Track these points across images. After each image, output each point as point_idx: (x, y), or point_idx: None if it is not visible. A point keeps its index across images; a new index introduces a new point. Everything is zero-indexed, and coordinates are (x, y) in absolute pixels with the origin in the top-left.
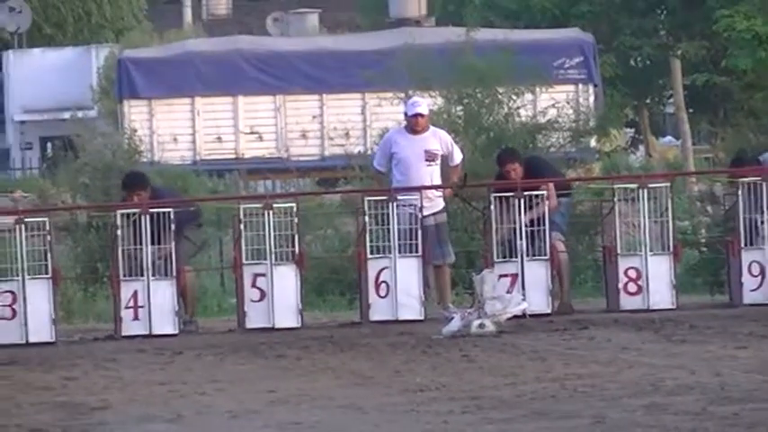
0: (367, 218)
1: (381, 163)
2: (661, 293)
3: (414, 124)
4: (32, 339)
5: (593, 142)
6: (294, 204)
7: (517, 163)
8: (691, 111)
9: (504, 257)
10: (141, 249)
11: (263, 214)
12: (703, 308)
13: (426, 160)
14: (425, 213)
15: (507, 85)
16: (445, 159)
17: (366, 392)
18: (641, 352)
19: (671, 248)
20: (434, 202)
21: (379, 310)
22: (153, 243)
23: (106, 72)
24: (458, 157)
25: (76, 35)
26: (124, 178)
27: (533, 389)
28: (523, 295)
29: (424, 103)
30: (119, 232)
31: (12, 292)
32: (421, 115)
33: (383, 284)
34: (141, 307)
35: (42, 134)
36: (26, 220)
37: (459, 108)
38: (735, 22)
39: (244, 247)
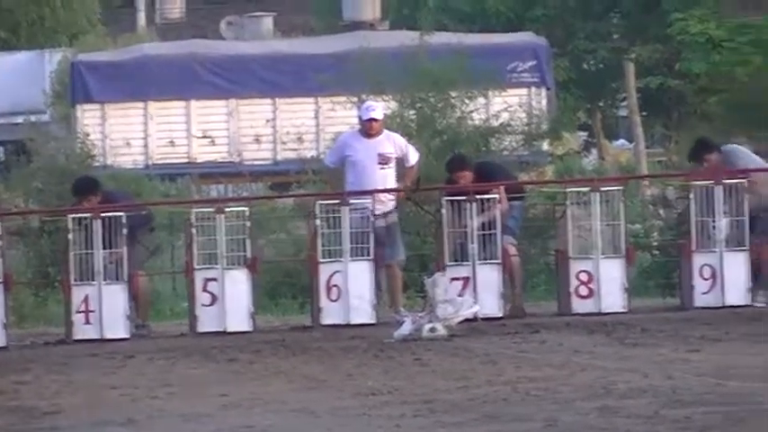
0: (319, 222)
1: (334, 161)
2: (613, 297)
3: (368, 128)
4: None
5: (545, 145)
6: (247, 208)
7: (467, 170)
8: (644, 114)
9: (456, 261)
10: (93, 254)
11: (216, 218)
12: (655, 311)
13: (380, 163)
14: (377, 214)
15: (461, 88)
16: (401, 161)
17: (318, 396)
18: (593, 355)
19: (623, 252)
20: (386, 204)
21: (331, 314)
22: (105, 247)
23: (60, 76)
24: (413, 157)
25: (30, 39)
26: (74, 184)
27: (485, 392)
28: (475, 299)
29: (379, 108)
30: (70, 236)
31: None
32: (375, 119)
33: (335, 288)
34: (93, 311)
35: None
36: None
37: (412, 112)
38: (689, 25)
39: (196, 252)
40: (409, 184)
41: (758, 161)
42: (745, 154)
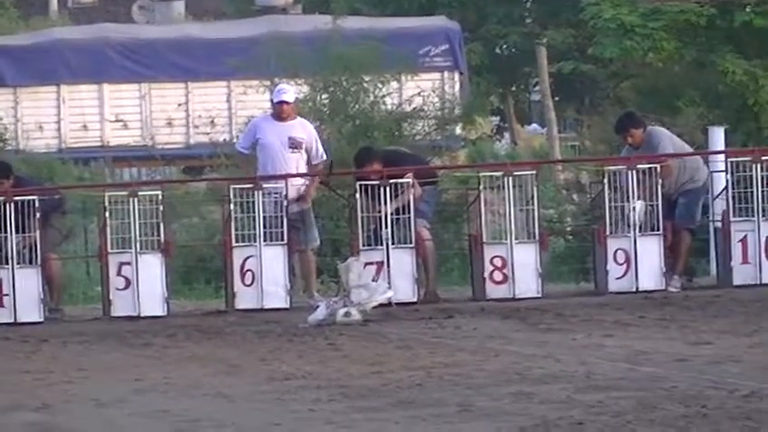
0: (232, 206)
1: (245, 146)
2: (527, 282)
3: (279, 111)
4: None
5: (458, 130)
6: (160, 192)
7: (375, 163)
8: (557, 99)
9: (370, 245)
10: (6, 237)
11: (129, 202)
12: (569, 296)
13: (290, 147)
14: (290, 199)
15: (373, 73)
16: (308, 153)
17: (233, 381)
18: (507, 340)
19: (537, 237)
20: (299, 189)
21: (244, 299)
22: (18, 231)
23: None
24: (320, 155)
25: None
26: None
27: (400, 377)
28: (389, 283)
29: (291, 91)
30: None
31: None
32: (286, 102)
33: (249, 273)
34: (6, 295)
35: None
36: None
37: (324, 96)
38: (601, 10)
39: (109, 236)
40: (315, 183)
41: (678, 144)
42: (666, 137)
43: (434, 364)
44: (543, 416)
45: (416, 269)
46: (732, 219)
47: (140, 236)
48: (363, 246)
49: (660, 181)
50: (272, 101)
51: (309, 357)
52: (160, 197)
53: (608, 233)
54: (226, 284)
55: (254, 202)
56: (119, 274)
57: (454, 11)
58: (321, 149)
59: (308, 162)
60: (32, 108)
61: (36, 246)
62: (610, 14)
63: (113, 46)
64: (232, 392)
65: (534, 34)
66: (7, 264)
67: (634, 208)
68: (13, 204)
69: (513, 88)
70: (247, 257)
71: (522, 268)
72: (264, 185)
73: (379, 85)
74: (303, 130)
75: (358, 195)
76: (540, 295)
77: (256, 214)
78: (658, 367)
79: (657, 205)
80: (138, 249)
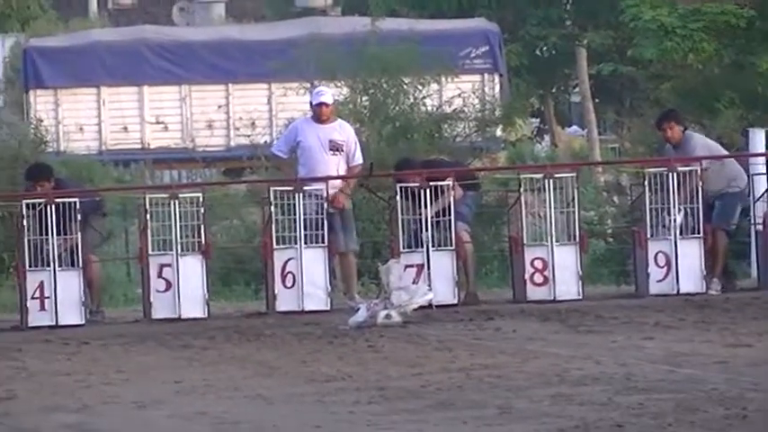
0: (273, 208)
1: (282, 149)
2: (567, 284)
3: (319, 113)
4: None
5: (498, 132)
6: (200, 194)
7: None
8: (596, 100)
9: (410, 248)
10: (47, 239)
11: (169, 204)
12: (609, 298)
13: (331, 150)
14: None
15: (413, 74)
16: (346, 156)
17: (272, 383)
18: (547, 342)
19: (577, 239)
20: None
21: (285, 301)
22: (58, 233)
23: (12, 62)
24: (358, 158)
25: None
26: (28, 169)
27: (439, 379)
28: (429, 286)
29: (329, 93)
30: (24, 222)
31: None
32: (325, 104)
33: (289, 275)
34: (47, 297)
35: None
36: None
37: (364, 98)
38: (641, 12)
39: (150, 238)
40: (351, 185)
41: (714, 151)
42: (700, 145)
43: (474, 366)
44: (582, 418)
45: (456, 271)
46: None
47: (181, 238)
48: (403, 248)
49: (701, 183)
50: (310, 103)
51: (349, 359)
52: (201, 199)
53: (648, 236)
54: (266, 286)
55: (294, 204)
56: (159, 275)
57: (493, 13)
58: (359, 153)
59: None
60: (73, 110)
61: (77, 248)
62: (649, 16)
63: (152, 48)
64: (271, 394)
65: (574, 36)
66: (48, 266)
67: (674, 219)
68: (53, 206)
69: (553, 90)
70: (288, 259)
71: (562, 270)
72: (305, 187)
73: (419, 87)
74: (343, 132)
75: (398, 198)
76: (580, 297)
77: (297, 216)
78: (698, 369)
79: (698, 208)
80: (179, 251)
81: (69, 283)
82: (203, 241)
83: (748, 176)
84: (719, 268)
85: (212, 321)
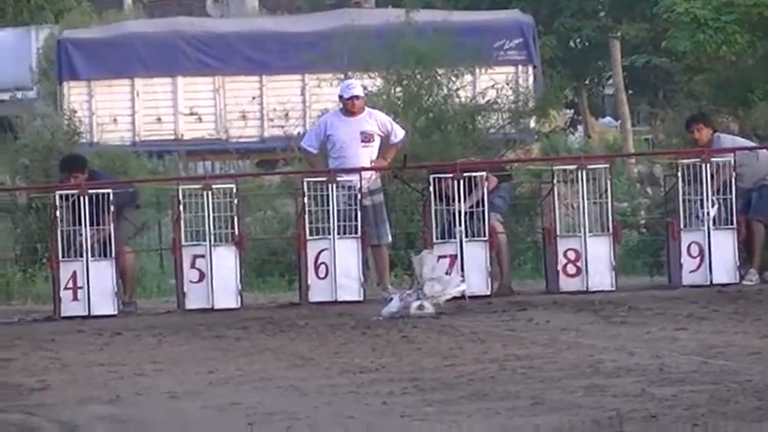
0: (306, 199)
1: (312, 144)
2: (600, 275)
3: (350, 106)
4: None
5: (532, 123)
6: (234, 185)
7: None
8: (630, 92)
9: (443, 239)
10: (80, 230)
11: (203, 195)
12: (643, 289)
13: (363, 142)
14: (363, 192)
15: (447, 66)
16: (385, 139)
17: (305, 373)
18: (580, 333)
19: (610, 230)
20: (372, 183)
21: (318, 292)
22: (92, 224)
23: (46, 53)
24: (399, 133)
25: (16, 16)
26: (62, 160)
27: (472, 370)
28: (462, 276)
29: (359, 85)
30: (57, 213)
31: None
32: (357, 97)
33: (322, 266)
34: (80, 288)
35: None
36: None
37: (398, 89)
38: (675, 4)
39: (183, 229)
40: (389, 160)
41: (745, 151)
42: (732, 145)
43: (507, 357)
44: (616, 409)
45: (490, 262)
46: None
47: (214, 229)
48: (437, 239)
49: (734, 174)
50: (340, 96)
51: (383, 350)
52: (234, 190)
53: (682, 226)
54: (300, 277)
55: (327, 196)
56: (192, 266)
57: (527, 5)
58: (397, 128)
59: (386, 144)
60: (106, 101)
61: (110, 239)
62: (683, 8)
63: (187, 39)
64: (305, 385)
65: (608, 27)
66: (82, 257)
67: (708, 213)
68: (87, 198)
69: (587, 82)
70: (321, 250)
71: (595, 261)
72: (338, 178)
73: (453, 79)
74: (374, 121)
75: (432, 189)
76: (613, 288)
77: (330, 207)
78: (732, 361)
79: (731, 199)
80: (212, 242)
81: (102, 274)
82: (236, 232)
83: None
84: (758, 259)
85: (245, 312)
